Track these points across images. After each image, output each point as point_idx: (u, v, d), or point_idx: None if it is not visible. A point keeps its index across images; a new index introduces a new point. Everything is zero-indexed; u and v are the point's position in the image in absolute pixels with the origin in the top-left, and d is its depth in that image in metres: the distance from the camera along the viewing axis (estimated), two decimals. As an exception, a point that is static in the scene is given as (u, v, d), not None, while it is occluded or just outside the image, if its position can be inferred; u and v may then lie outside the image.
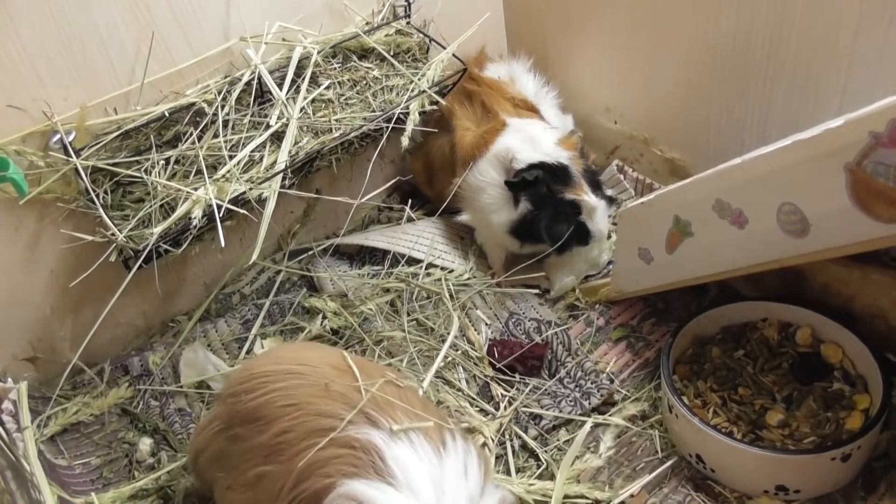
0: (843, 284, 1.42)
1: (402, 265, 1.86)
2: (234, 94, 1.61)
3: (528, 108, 1.94)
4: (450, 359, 1.64)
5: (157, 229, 1.45)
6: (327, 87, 1.72)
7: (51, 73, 1.46)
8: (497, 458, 1.47)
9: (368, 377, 1.16)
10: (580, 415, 1.52)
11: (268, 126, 1.61)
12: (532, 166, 1.72)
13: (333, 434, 1.05)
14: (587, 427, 1.49)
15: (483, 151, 1.80)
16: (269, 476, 1.09)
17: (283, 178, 1.57)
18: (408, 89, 1.77)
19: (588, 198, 1.74)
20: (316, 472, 1.03)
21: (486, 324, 1.74)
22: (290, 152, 1.58)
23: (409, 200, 2.02)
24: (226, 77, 1.66)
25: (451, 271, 1.85)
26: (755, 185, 1.25)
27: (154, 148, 1.55)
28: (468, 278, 1.85)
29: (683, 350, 1.55)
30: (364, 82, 1.78)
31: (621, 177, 2.03)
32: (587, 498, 1.36)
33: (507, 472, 1.44)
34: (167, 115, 1.56)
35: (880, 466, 1.34)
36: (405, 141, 1.70)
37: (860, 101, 1.09)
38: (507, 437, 1.50)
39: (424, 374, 1.57)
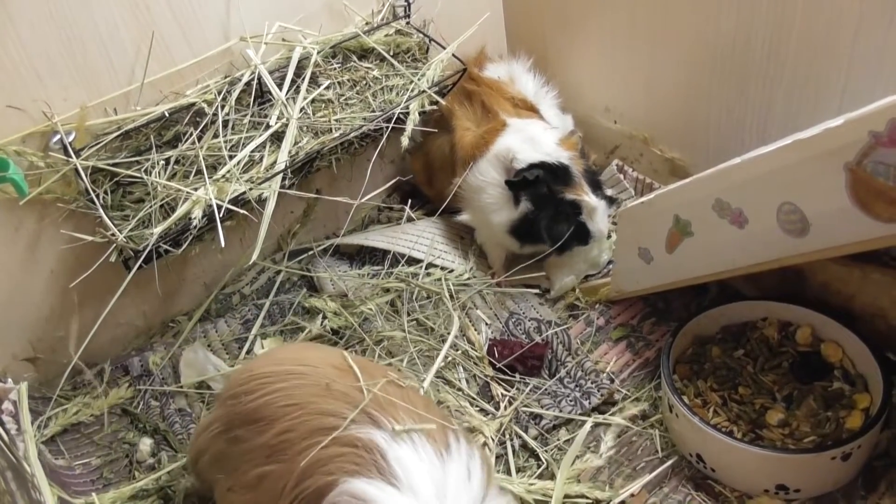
0: (843, 284, 1.42)
1: (402, 265, 1.86)
2: (234, 95, 1.61)
3: (528, 108, 1.94)
4: (450, 359, 1.64)
5: (157, 229, 1.45)
6: (327, 88, 1.72)
7: (51, 73, 1.46)
8: (497, 457, 1.47)
9: (370, 377, 1.15)
10: (580, 414, 1.52)
11: (268, 126, 1.61)
12: (532, 166, 1.72)
13: (336, 433, 1.05)
14: (587, 427, 1.49)
15: (483, 151, 1.80)
16: (270, 476, 1.09)
17: (283, 179, 1.57)
18: (407, 89, 1.77)
19: (588, 198, 1.74)
20: (318, 471, 1.03)
21: (487, 323, 1.74)
22: (289, 152, 1.58)
23: (409, 200, 2.02)
24: (226, 77, 1.66)
25: (451, 271, 1.85)
26: (755, 184, 1.25)
27: (154, 148, 1.55)
28: (468, 278, 1.85)
29: (683, 349, 1.55)
30: (364, 82, 1.78)
31: (621, 176, 2.03)
32: (587, 497, 1.36)
33: (508, 472, 1.44)
34: (167, 115, 1.56)
35: (880, 465, 1.34)
36: (405, 141, 1.70)
37: (860, 101, 1.09)
38: (507, 436, 1.50)
39: (425, 374, 1.57)
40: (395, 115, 1.72)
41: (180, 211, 1.46)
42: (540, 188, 1.71)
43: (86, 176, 1.46)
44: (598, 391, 1.55)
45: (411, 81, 1.78)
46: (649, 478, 1.39)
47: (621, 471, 1.42)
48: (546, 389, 1.58)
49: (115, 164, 1.50)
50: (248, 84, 1.63)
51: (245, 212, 1.51)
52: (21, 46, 1.41)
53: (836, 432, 1.34)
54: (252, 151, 1.57)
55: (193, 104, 1.58)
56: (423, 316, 1.74)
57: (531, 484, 1.39)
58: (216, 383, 1.66)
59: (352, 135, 1.68)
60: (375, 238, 1.93)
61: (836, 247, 1.17)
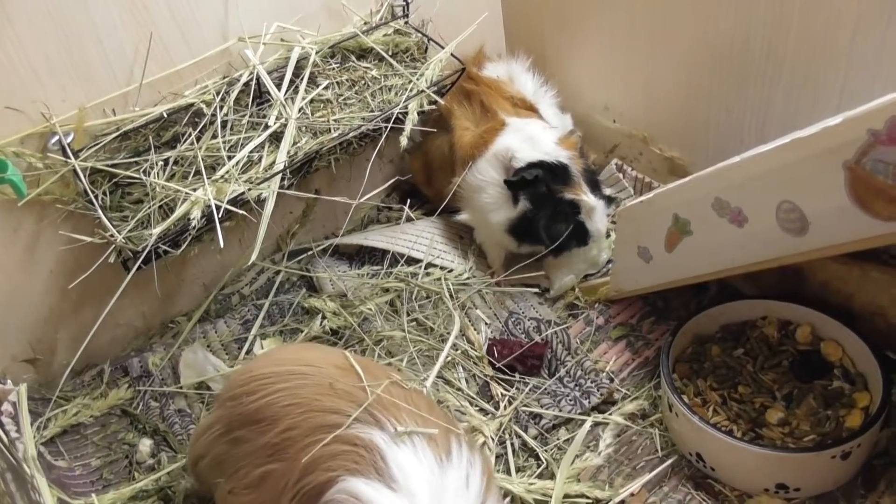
0: (843, 282, 1.42)
1: (402, 265, 1.86)
2: (233, 95, 1.61)
3: (527, 108, 1.94)
4: (450, 358, 1.64)
5: (156, 230, 1.45)
6: (326, 88, 1.72)
7: (49, 73, 1.46)
8: (497, 457, 1.47)
9: (373, 378, 1.15)
10: (580, 414, 1.52)
11: (266, 126, 1.60)
12: (532, 165, 1.72)
13: (340, 430, 1.05)
14: (587, 426, 1.49)
15: (482, 151, 1.80)
16: (273, 474, 1.09)
17: (282, 179, 1.56)
18: (406, 89, 1.77)
19: (587, 197, 1.74)
20: (320, 467, 1.03)
21: (486, 323, 1.74)
22: (288, 152, 1.58)
23: (408, 200, 2.02)
24: (224, 77, 1.66)
25: (451, 271, 1.85)
26: (754, 183, 1.25)
27: (153, 149, 1.55)
28: (467, 278, 1.85)
29: (683, 349, 1.55)
30: (362, 82, 1.78)
31: (620, 175, 2.03)
32: (587, 497, 1.36)
33: (508, 472, 1.44)
34: (166, 115, 1.55)
35: (880, 464, 1.35)
36: (404, 141, 1.70)
37: (858, 101, 1.08)
38: (507, 436, 1.50)
39: (425, 374, 1.57)
40: (394, 115, 1.71)
41: (179, 211, 1.46)
42: (539, 187, 1.71)
43: (84, 177, 1.46)
44: (598, 390, 1.55)
45: (410, 81, 1.77)
46: (649, 477, 1.39)
47: (621, 470, 1.42)
48: (546, 389, 1.58)
49: (113, 165, 1.50)
50: (247, 84, 1.63)
51: (244, 212, 1.51)
52: (19, 46, 1.41)
53: (835, 431, 1.34)
54: (251, 152, 1.57)
55: (192, 105, 1.58)
56: (423, 316, 1.74)
57: (531, 483, 1.39)
58: (216, 384, 1.66)
59: (350, 135, 1.67)
60: (375, 238, 1.93)
61: (836, 245, 1.17)
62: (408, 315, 1.74)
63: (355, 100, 1.74)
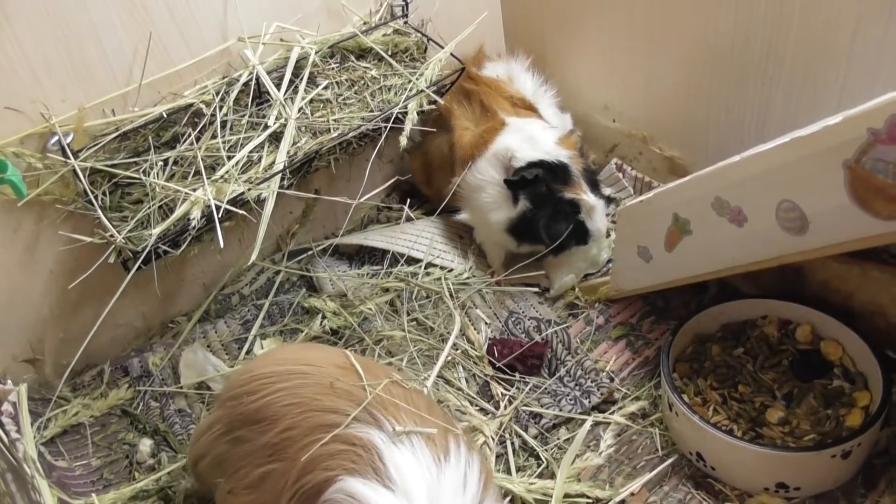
0: (843, 281, 1.42)
1: (402, 265, 1.86)
2: (232, 95, 1.61)
3: (527, 107, 1.94)
4: (450, 358, 1.64)
5: (156, 230, 1.45)
6: (325, 88, 1.72)
7: (48, 73, 1.46)
8: (497, 457, 1.47)
9: (374, 377, 1.15)
10: (580, 413, 1.52)
11: (266, 126, 1.60)
12: (532, 164, 1.72)
13: (338, 430, 1.05)
14: (587, 425, 1.49)
15: (482, 150, 1.80)
16: (273, 474, 1.09)
17: (282, 179, 1.56)
18: (406, 89, 1.77)
19: (587, 197, 1.74)
20: (319, 466, 1.03)
21: (486, 323, 1.74)
22: (288, 152, 1.58)
23: (408, 200, 2.02)
24: (224, 78, 1.66)
25: (451, 270, 1.85)
26: (754, 182, 1.25)
27: (152, 149, 1.55)
28: (467, 277, 1.85)
29: (683, 348, 1.55)
30: (362, 82, 1.78)
31: (620, 175, 2.03)
32: (588, 496, 1.36)
33: (508, 471, 1.44)
34: (165, 116, 1.55)
35: (880, 463, 1.35)
36: (403, 140, 1.70)
37: (858, 100, 1.08)
38: (507, 435, 1.50)
39: (426, 374, 1.57)
40: (394, 115, 1.71)
41: (179, 212, 1.46)
42: (539, 187, 1.71)
43: (84, 177, 1.46)
44: (598, 390, 1.55)
45: (409, 81, 1.77)
46: (649, 476, 1.39)
47: (621, 469, 1.42)
48: (546, 388, 1.58)
49: (113, 165, 1.50)
50: (247, 84, 1.63)
51: (244, 212, 1.51)
52: (18, 46, 1.41)
53: (836, 430, 1.34)
54: (250, 152, 1.57)
55: (191, 105, 1.58)
56: (423, 315, 1.74)
57: (531, 483, 1.39)
58: (216, 384, 1.66)
59: (350, 135, 1.67)
60: (374, 238, 1.93)
61: (836, 244, 1.17)
62: (408, 315, 1.74)
63: (355, 100, 1.74)
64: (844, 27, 1.40)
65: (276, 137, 1.61)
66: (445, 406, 1.53)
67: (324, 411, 1.10)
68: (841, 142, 1.08)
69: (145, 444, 1.57)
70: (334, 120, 1.67)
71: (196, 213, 1.45)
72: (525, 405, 1.55)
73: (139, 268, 1.46)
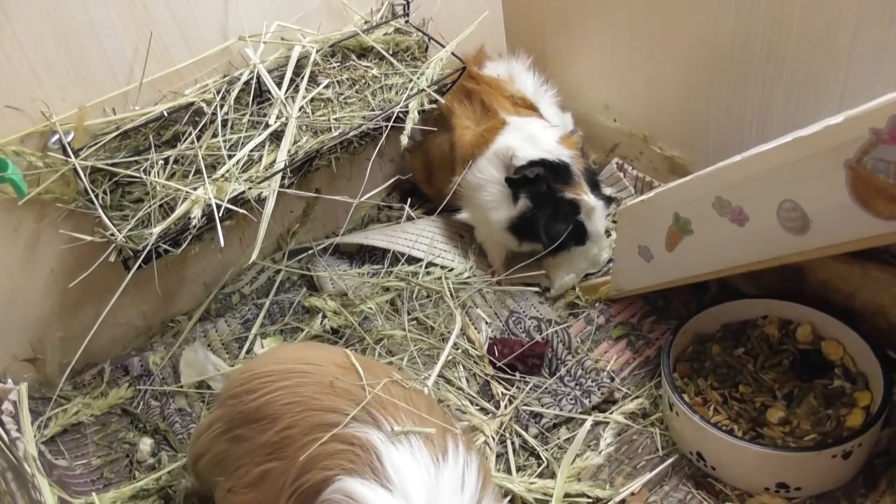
0: (844, 281, 1.42)
1: (402, 264, 1.86)
2: (233, 94, 1.61)
3: (528, 107, 1.94)
4: (450, 357, 1.64)
5: (157, 229, 1.45)
6: (326, 87, 1.72)
7: (48, 72, 1.46)
8: (498, 456, 1.47)
9: (374, 377, 1.15)
10: (581, 413, 1.52)
11: (267, 125, 1.60)
12: (533, 163, 1.72)
13: (337, 429, 1.05)
14: (588, 425, 1.49)
15: (483, 149, 1.80)
16: (272, 472, 1.09)
17: (283, 178, 1.56)
18: (407, 88, 1.77)
19: (587, 197, 1.74)
20: (317, 465, 1.03)
21: (487, 322, 1.74)
22: (289, 151, 1.58)
23: (409, 199, 2.02)
24: (224, 76, 1.66)
25: (451, 270, 1.85)
26: (755, 182, 1.25)
27: (153, 148, 1.55)
28: (468, 277, 1.85)
29: (684, 348, 1.55)
30: (363, 81, 1.78)
31: (621, 175, 2.03)
32: (588, 496, 1.36)
33: (508, 471, 1.43)
34: (166, 114, 1.55)
35: (881, 463, 1.35)
36: (404, 140, 1.70)
37: (859, 100, 1.08)
38: (507, 435, 1.50)
39: (426, 373, 1.57)
40: (395, 114, 1.71)
41: (179, 210, 1.46)
42: (539, 186, 1.71)
43: (85, 176, 1.45)
44: (599, 390, 1.55)
45: (410, 80, 1.77)
46: (650, 476, 1.39)
47: (622, 469, 1.42)
48: (546, 388, 1.58)
49: (113, 164, 1.50)
50: (247, 83, 1.63)
51: (244, 211, 1.51)
52: (18, 45, 1.41)
53: (836, 430, 1.34)
54: (251, 151, 1.57)
55: (192, 104, 1.58)
56: (423, 315, 1.74)
57: (532, 483, 1.39)
58: (216, 383, 1.66)
59: (351, 134, 1.67)
60: (375, 237, 1.93)
61: (837, 244, 1.17)
62: (408, 314, 1.74)
63: (356, 99, 1.74)
64: (845, 27, 1.40)
65: (276, 136, 1.61)
66: (446, 405, 1.53)
67: (323, 410, 1.10)
68: (842, 142, 1.08)
69: (145, 444, 1.57)
70: (335, 119, 1.67)
71: (197, 212, 1.45)
72: (525, 405, 1.55)
73: (140, 267, 1.46)
